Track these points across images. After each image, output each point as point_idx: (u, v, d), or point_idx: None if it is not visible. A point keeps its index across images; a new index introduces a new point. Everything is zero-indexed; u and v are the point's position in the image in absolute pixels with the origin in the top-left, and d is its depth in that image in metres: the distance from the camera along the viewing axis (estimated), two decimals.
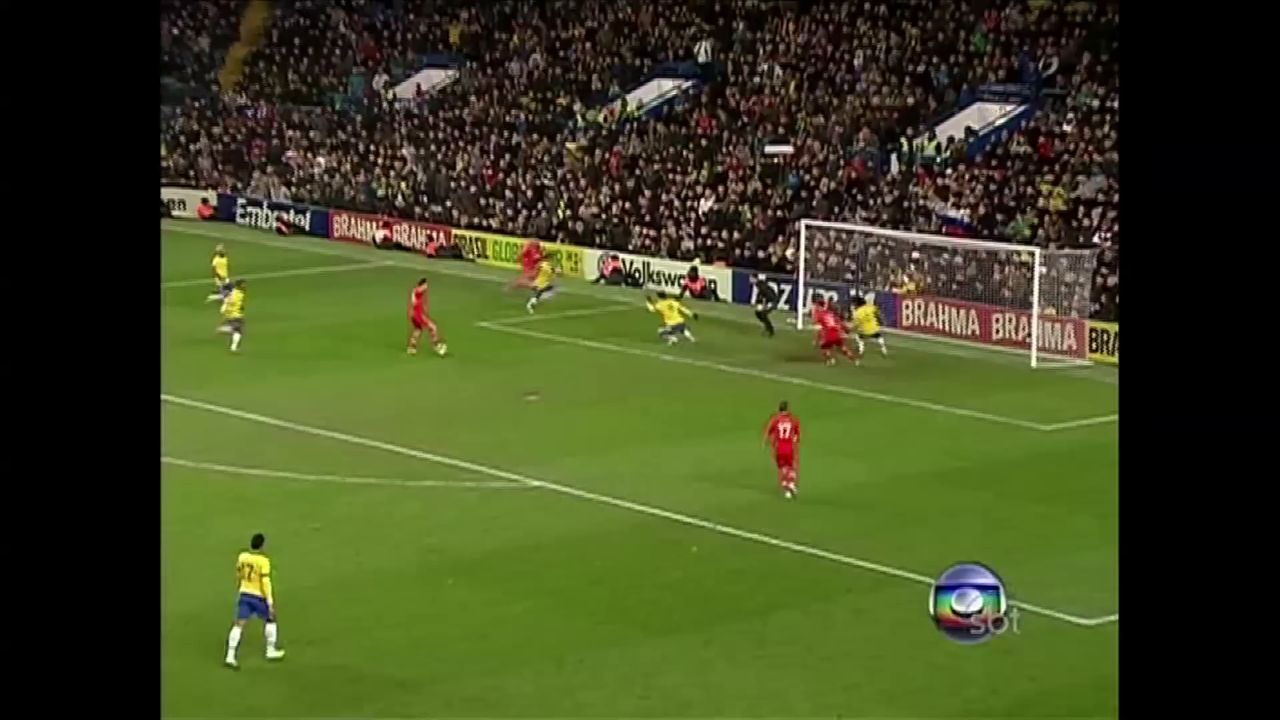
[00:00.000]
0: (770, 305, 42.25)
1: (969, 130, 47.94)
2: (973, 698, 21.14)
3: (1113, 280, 40.62)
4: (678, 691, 21.15)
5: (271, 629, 21.57)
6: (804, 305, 43.05)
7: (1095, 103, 46.65)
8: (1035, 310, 40.01)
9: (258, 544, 21.98)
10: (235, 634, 21.47)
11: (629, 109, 54.87)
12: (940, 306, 42.19)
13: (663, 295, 42.48)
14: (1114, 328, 39.66)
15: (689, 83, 55.06)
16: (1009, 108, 48.42)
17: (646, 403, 35.84)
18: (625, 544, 26.74)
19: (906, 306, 42.76)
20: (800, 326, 42.29)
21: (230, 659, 21.41)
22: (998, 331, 41.35)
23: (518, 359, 39.16)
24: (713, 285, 46.63)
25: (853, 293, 42.28)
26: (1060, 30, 49.85)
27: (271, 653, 21.70)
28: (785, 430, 29.06)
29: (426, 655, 22.19)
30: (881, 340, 39.69)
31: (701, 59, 55.54)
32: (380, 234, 54.44)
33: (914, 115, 49.56)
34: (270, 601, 21.47)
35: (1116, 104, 46.31)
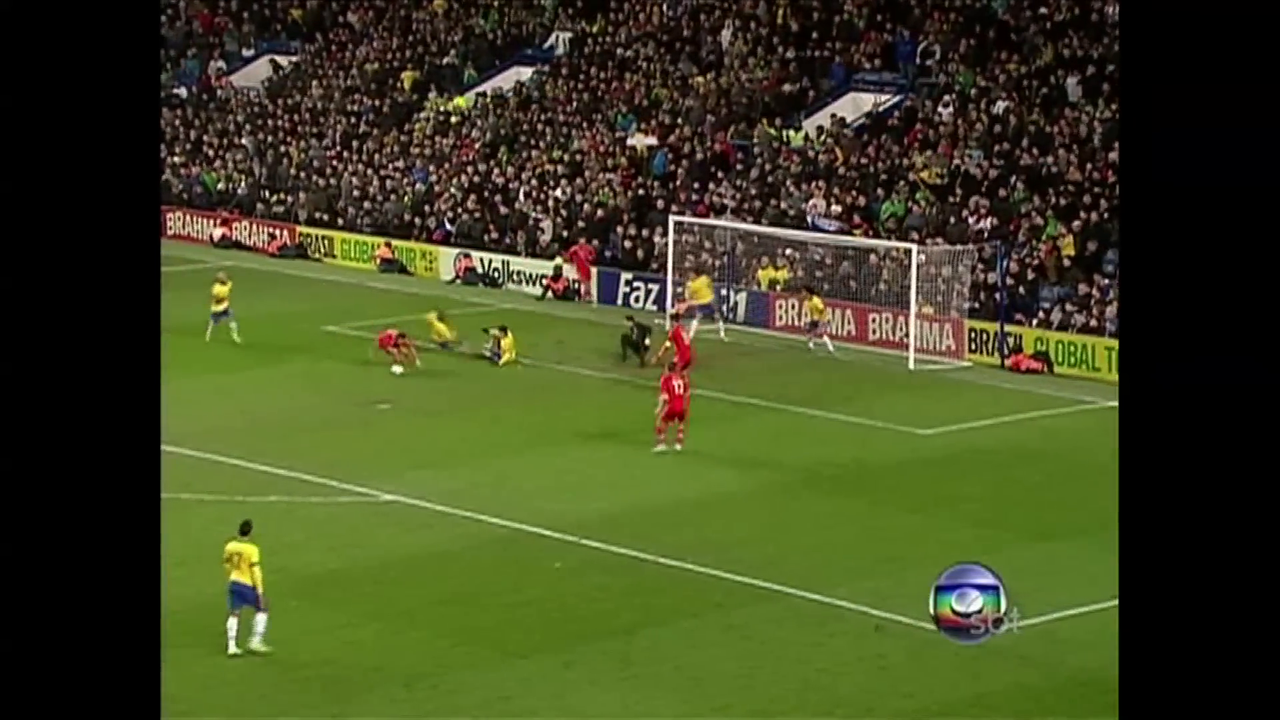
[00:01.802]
0: (640, 346, 39.93)
1: (840, 121, 48.40)
2: (848, 716, 21.57)
3: (991, 277, 41.38)
4: (537, 716, 21.38)
5: (261, 619, 22.26)
6: (671, 306, 43.38)
7: (972, 91, 47.32)
8: (913, 309, 40.67)
9: (245, 531, 22.61)
10: (232, 624, 22.29)
11: (486, 98, 54.81)
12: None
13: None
14: (993, 327, 40.42)
15: (546, 66, 55.16)
16: (884, 97, 49.00)
17: (504, 411, 35.99)
18: (482, 560, 26.92)
19: (780, 306, 43.27)
20: (668, 328, 42.58)
21: (232, 649, 22.28)
22: (874, 332, 41.97)
23: (368, 365, 39.11)
24: (576, 285, 46.84)
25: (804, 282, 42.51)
26: (937, 10, 50.13)
27: (256, 644, 22.27)
28: (679, 387, 31.92)
29: (269, 683, 22.21)
30: (827, 338, 40.41)
31: (559, 50, 55.65)
32: (218, 232, 54.06)
33: (785, 102, 50.00)
34: (260, 590, 22.18)
35: (994, 85, 47.05)
